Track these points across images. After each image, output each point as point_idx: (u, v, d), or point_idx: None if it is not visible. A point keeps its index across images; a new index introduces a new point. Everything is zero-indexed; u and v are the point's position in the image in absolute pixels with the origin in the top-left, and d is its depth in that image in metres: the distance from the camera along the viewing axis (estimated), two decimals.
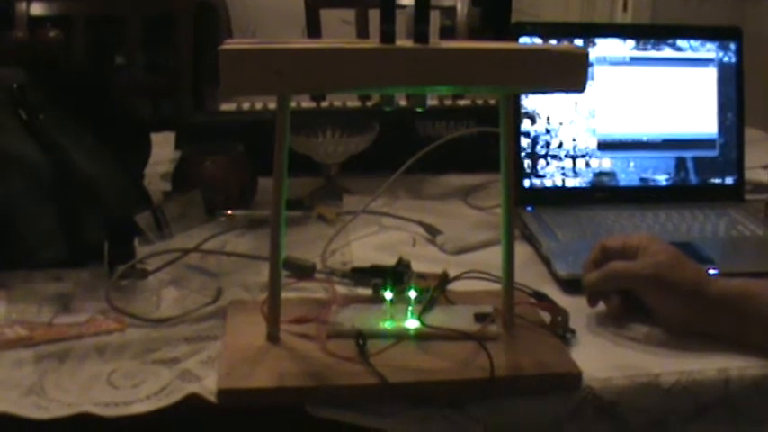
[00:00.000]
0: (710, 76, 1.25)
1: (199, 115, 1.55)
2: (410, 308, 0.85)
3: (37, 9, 2.30)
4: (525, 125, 1.19)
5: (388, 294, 0.86)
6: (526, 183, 1.20)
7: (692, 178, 1.24)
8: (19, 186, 0.97)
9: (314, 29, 2.41)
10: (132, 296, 0.93)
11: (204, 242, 1.05)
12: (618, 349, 0.84)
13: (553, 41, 1.21)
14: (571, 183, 1.21)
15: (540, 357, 0.79)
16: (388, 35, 0.75)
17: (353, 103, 1.46)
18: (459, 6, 2.48)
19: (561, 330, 0.85)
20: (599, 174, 1.22)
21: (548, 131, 1.20)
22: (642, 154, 1.22)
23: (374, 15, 2.33)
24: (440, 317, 0.84)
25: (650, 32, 1.23)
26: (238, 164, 1.20)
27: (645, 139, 1.23)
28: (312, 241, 1.09)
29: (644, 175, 1.23)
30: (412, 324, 0.83)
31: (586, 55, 0.78)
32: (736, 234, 1.13)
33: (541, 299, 0.90)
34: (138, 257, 0.98)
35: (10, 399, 0.73)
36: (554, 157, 1.20)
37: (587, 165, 1.21)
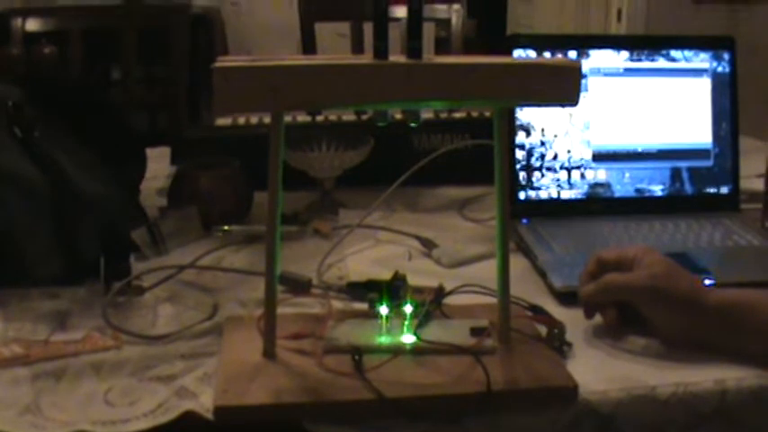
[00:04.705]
0: (704, 85, 1.25)
1: (194, 130, 1.55)
2: (406, 322, 0.85)
3: (32, 25, 2.30)
4: (520, 137, 1.20)
5: (384, 309, 0.85)
6: (521, 195, 1.20)
7: (688, 188, 1.24)
8: (15, 203, 0.97)
9: (309, 42, 2.42)
10: (128, 313, 0.93)
11: (200, 258, 1.05)
12: (614, 362, 0.84)
13: (547, 53, 1.21)
14: (566, 194, 1.21)
15: (537, 371, 0.79)
16: (381, 51, 0.75)
17: (349, 116, 1.46)
18: (453, 18, 2.49)
19: (557, 343, 0.85)
20: (594, 185, 1.22)
21: (542, 143, 1.20)
22: (637, 165, 1.23)
23: (369, 28, 2.33)
24: (436, 331, 0.84)
25: (644, 43, 1.24)
26: (234, 178, 1.20)
27: (640, 149, 1.23)
28: (308, 256, 1.09)
29: (639, 186, 1.23)
30: (408, 339, 0.83)
31: (579, 68, 0.78)
32: (732, 244, 1.13)
33: (537, 312, 0.90)
34: (134, 274, 0.98)
35: (6, 418, 0.73)
36: (549, 168, 1.21)
37: (582, 176, 1.21)
